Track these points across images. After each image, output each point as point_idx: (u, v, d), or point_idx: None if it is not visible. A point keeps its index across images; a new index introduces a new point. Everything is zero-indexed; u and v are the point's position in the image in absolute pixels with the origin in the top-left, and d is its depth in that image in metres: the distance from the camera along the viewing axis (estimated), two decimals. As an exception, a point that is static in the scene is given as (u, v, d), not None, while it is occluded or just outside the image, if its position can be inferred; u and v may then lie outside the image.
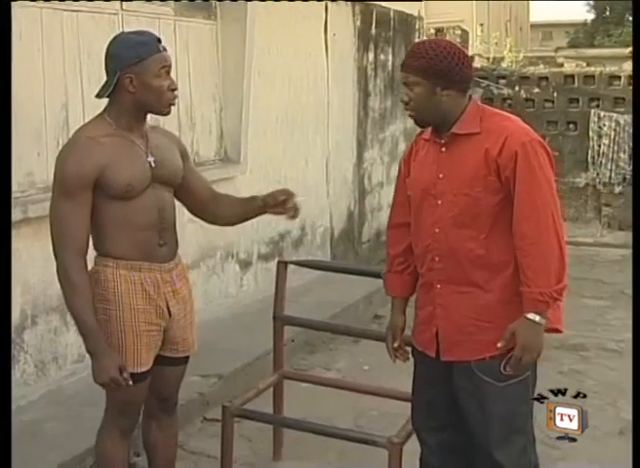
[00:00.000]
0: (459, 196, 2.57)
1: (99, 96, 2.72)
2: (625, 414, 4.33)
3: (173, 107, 2.74)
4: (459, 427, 2.72)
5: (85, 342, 2.66)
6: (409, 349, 2.90)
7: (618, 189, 9.76)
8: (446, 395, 2.71)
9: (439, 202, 2.61)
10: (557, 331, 2.62)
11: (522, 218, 2.49)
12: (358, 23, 7.32)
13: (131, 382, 2.64)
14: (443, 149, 2.63)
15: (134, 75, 2.61)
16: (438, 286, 2.65)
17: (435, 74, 2.53)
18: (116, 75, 2.63)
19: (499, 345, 2.53)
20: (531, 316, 2.49)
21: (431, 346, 2.71)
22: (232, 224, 3.17)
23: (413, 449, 3.05)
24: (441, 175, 2.61)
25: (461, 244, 2.58)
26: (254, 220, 5.80)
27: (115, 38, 2.73)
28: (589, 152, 9.80)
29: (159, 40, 2.69)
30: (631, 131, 9.49)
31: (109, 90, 2.66)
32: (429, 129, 2.70)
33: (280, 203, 2.88)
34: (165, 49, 2.70)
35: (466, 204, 2.56)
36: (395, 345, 2.89)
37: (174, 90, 2.70)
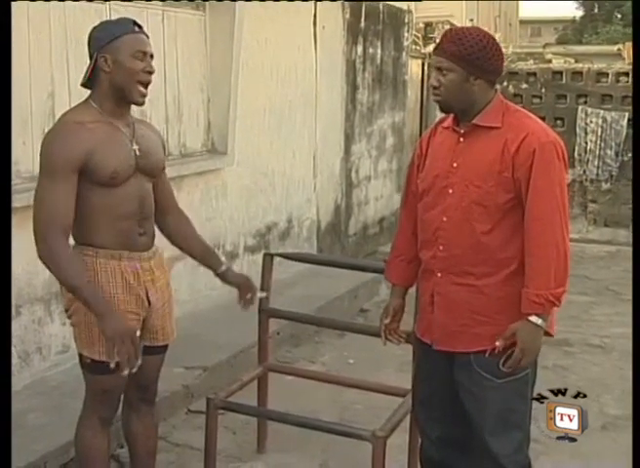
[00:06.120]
0: (470, 187, 2.56)
1: (83, 83, 2.72)
2: (608, 410, 4.36)
3: (146, 95, 2.69)
4: (459, 420, 2.73)
5: (91, 308, 2.55)
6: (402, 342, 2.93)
7: (604, 186, 9.80)
8: (447, 388, 2.72)
9: (450, 191, 2.60)
10: (549, 334, 2.62)
11: (532, 218, 2.49)
12: (347, 16, 7.30)
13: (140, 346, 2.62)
14: (461, 139, 2.62)
15: (108, 54, 2.61)
16: (439, 274, 2.66)
17: (472, 62, 2.51)
18: (94, 58, 2.64)
19: (497, 344, 2.53)
20: (533, 318, 2.49)
21: (427, 334, 2.74)
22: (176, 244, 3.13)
23: (397, 443, 3.05)
24: (455, 165, 2.60)
25: (467, 236, 2.57)
26: (240, 213, 5.90)
27: (94, 27, 2.73)
28: (576, 148, 9.82)
29: (137, 24, 2.68)
30: (617, 127, 9.53)
31: (88, 73, 2.66)
32: (450, 117, 2.68)
33: (243, 295, 3.10)
34: (144, 33, 2.69)
35: (477, 196, 2.54)
36: (386, 321, 2.90)
37: (150, 72, 2.66)
